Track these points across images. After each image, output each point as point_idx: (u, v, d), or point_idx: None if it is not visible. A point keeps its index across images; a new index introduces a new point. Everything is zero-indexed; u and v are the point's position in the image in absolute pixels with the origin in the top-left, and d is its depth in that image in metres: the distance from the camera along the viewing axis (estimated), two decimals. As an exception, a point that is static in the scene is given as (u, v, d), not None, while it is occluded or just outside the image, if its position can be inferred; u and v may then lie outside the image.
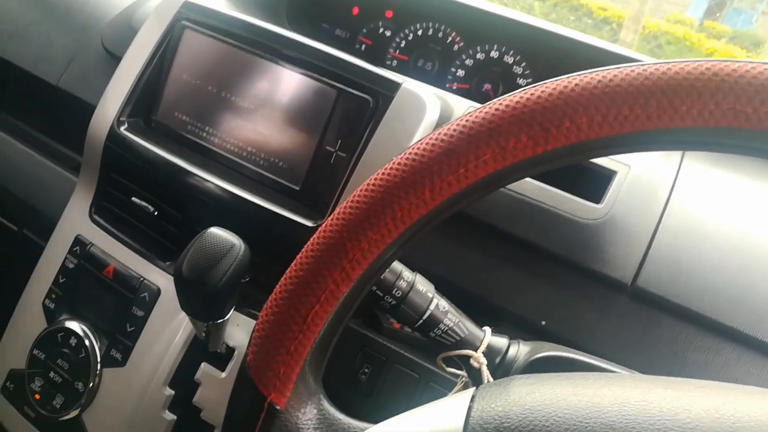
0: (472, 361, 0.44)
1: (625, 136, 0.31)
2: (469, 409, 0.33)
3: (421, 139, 0.34)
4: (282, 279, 0.34)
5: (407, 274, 0.45)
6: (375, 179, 0.33)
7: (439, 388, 0.55)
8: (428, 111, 0.57)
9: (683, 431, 0.30)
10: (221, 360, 0.58)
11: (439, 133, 0.33)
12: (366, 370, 0.57)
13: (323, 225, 0.34)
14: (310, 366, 0.34)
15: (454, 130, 0.33)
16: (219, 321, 0.51)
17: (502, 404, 0.33)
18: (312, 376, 0.34)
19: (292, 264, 0.34)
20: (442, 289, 0.47)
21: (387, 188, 0.32)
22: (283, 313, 0.33)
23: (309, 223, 0.57)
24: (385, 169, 0.33)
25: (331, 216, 0.34)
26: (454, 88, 0.87)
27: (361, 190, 0.33)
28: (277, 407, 0.33)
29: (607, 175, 0.57)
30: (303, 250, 0.34)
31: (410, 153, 0.33)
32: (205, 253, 0.47)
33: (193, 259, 0.46)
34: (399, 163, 0.33)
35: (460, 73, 0.87)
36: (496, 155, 0.32)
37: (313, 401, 0.34)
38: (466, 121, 0.33)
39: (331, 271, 0.33)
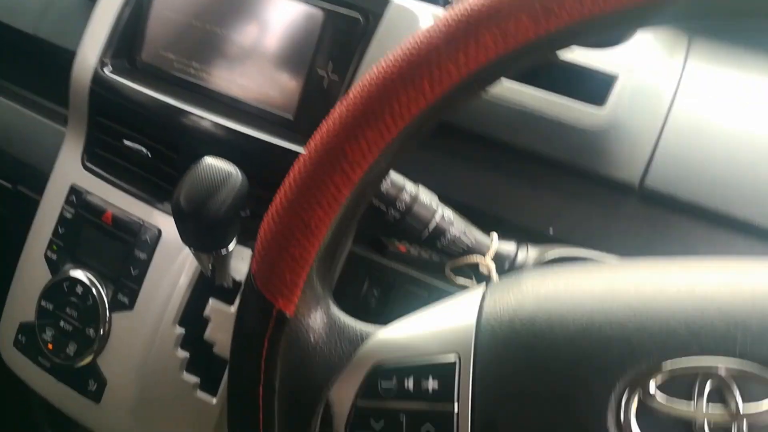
0: (481, 267, 0.44)
1: (632, 8, 0.29)
2: (481, 304, 0.33)
3: (417, 32, 0.32)
4: (281, 187, 0.33)
5: (410, 186, 0.44)
6: (370, 76, 0.32)
7: (450, 305, 0.54)
8: (421, 26, 0.55)
9: (701, 305, 0.29)
10: (229, 294, 0.58)
11: (437, 23, 0.32)
12: (375, 293, 0.57)
13: (319, 129, 0.33)
14: (317, 273, 0.33)
15: (452, 18, 0.31)
16: (223, 251, 0.50)
17: (514, 296, 0.32)
18: (320, 283, 0.34)
19: (291, 171, 0.33)
20: (444, 206, 0.46)
21: (383, 84, 0.31)
22: (284, 220, 0.32)
23: (305, 152, 0.56)
24: (380, 65, 0.32)
25: (327, 119, 0.33)
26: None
27: (356, 89, 0.32)
28: (286, 314, 0.33)
29: (609, 79, 0.55)
30: (300, 156, 0.33)
31: (406, 46, 0.32)
32: (202, 183, 0.45)
33: (190, 190, 0.45)
34: (394, 57, 0.31)
35: (451, -5, 0.84)
36: (496, 39, 0.30)
37: (322, 307, 0.34)
38: (464, 7, 0.31)
39: (331, 175, 0.32)
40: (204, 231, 0.47)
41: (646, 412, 0.28)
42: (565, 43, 0.32)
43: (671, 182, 0.51)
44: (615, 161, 0.52)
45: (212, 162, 0.46)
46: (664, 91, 0.55)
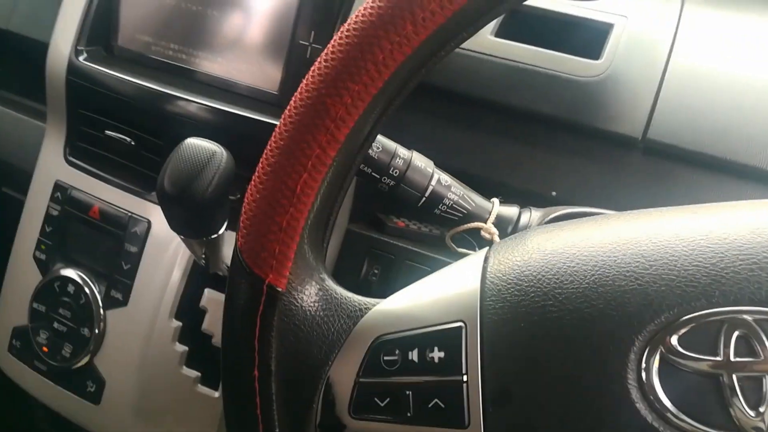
0: (482, 233, 0.42)
1: None
2: (484, 266, 0.31)
3: None
4: (264, 153, 0.31)
5: (403, 151, 0.42)
6: (350, 24, 0.29)
7: (453, 277, 0.52)
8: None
9: (720, 248, 0.27)
10: (223, 283, 0.55)
11: None
12: (376, 272, 0.55)
13: (300, 87, 0.31)
14: (308, 243, 0.31)
15: None
16: (213, 236, 0.48)
17: (519, 254, 0.30)
18: (312, 254, 0.32)
19: (273, 135, 0.31)
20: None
21: (364, 31, 0.29)
22: (269, 188, 0.30)
23: (286, 112, 0.54)
24: (359, 11, 0.29)
25: (307, 75, 0.31)
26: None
27: (335, 40, 0.30)
28: (278, 289, 0.30)
29: (604, 29, 0.53)
30: (282, 118, 0.31)
31: None
32: (186, 164, 0.43)
33: (174, 173, 0.43)
34: (373, 2, 0.29)
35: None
36: None
37: (316, 280, 0.32)
38: None
39: (314, 135, 0.29)
40: (191, 214, 0.45)
41: (668, 369, 0.26)
42: None
43: (675, 133, 0.49)
44: (616, 115, 0.50)
45: (195, 142, 0.44)
46: (661, 39, 0.52)
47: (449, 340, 0.29)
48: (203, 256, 0.52)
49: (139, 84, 0.58)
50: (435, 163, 0.47)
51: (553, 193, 0.50)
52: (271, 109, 0.55)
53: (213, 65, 0.58)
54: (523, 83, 0.51)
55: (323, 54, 0.30)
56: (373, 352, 0.30)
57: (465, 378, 0.28)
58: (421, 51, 0.29)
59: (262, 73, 0.56)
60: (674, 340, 0.26)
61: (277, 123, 0.54)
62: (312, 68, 0.30)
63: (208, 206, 0.44)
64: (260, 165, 0.31)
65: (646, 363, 0.26)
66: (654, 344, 0.26)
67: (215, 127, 0.56)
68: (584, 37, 0.53)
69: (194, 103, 0.56)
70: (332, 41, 0.30)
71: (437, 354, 0.29)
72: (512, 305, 0.28)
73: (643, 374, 0.26)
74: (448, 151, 0.52)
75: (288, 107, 0.31)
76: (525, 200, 0.50)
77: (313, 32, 0.53)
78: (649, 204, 0.49)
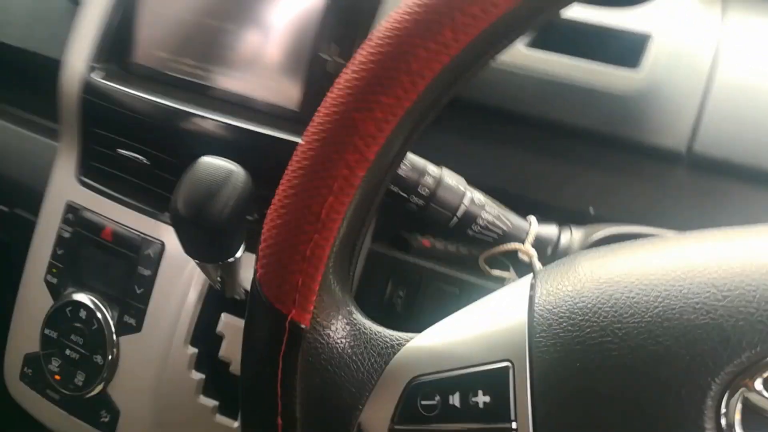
0: (520, 255, 0.38)
1: None
2: (531, 297, 0.28)
3: None
4: (285, 174, 0.28)
5: (432, 168, 0.39)
6: (380, 32, 0.27)
7: (484, 301, 0.49)
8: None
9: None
10: (242, 307, 0.53)
11: None
12: (400, 294, 0.52)
13: (324, 100, 0.28)
14: (334, 273, 0.28)
15: None
16: (230, 260, 0.46)
17: (570, 283, 0.27)
18: (338, 286, 0.29)
19: (294, 153, 0.28)
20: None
21: (397, 38, 0.26)
22: (291, 212, 0.27)
23: (309, 129, 0.51)
24: (391, 16, 0.27)
25: (332, 87, 0.28)
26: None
27: (365, 48, 0.27)
28: (302, 326, 0.27)
29: (641, 38, 0.50)
30: (304, 134, 0.28)
31: None
32: (201, 184, 0.41)
33: (187, 193, 0.41)
34: (409, 5, 0.26)
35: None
36: None
37: (343, 314, 0.29)
38: None
39: (341, 153, 0.27)
40: (207, 238, 0.42)
41: (754, 417, 0.22)
42: None
43: (723, 145, 0.46)
44: (658, 128, 0.47)
45: (210, 161, 0.41)
46: (704, 47, 0.49)
47: (495, 382, 0.26)
48: (219, 280, 0.50)
49: (155, 101, 0.56)
50: (466, 180, 0.44)
51: (591, 211, 0.47)
52: (291, 126, 0.53)
53: (231, 81, 0.56)
54: (557, 96, 0.48)
55: (351, 63, 0.27)
56: (409, 395, 0.27)
57: (514, 425, 0.25)
58: (459, 60, 0.26)
59: (281, 89, 0.54)
60: (758, 383, 0.23)
61: (298, 140, 0.51)
62: (338, 79, 0.28)
63: (225, 229, 0.41)
64: (281, 187, 0.28)
65: (726, 410, 0.23)
66: (734, 388, 0.23)
67: (232, 145, 0.53)
68: (621, 47, 0.50)
69: (211, 120, 0.54)
70: (361, 49, 0.27)
71: (482, 398, 0.26)
72: (565, 342, 0.25)
73: (723, 422, 0.23)
74: (479, 168, 0.49)
75: (311, 122, 0.28)
76: (561, 218, 0.47)
77: (334, 46, 0.51)
78: (696, 222, 0.45)
